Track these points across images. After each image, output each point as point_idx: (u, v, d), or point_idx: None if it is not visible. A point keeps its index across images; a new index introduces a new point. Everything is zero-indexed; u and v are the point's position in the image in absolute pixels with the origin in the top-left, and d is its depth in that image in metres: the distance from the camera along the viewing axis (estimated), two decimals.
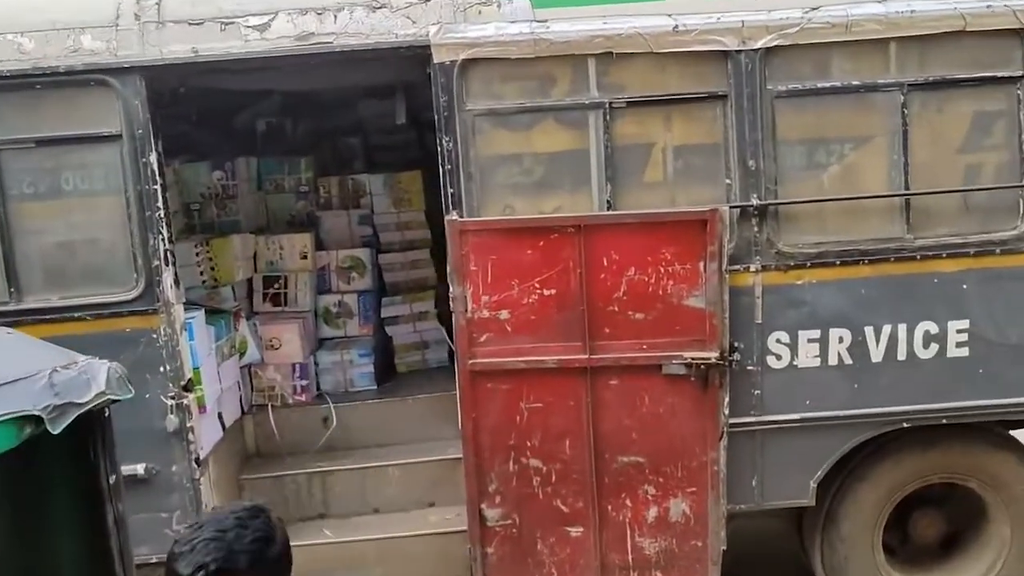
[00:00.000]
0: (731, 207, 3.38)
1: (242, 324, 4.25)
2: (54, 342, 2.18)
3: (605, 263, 3.39)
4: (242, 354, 4.26)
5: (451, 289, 3.43)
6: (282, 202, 4.90)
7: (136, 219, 3.40)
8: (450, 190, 3.45)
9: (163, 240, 3.43)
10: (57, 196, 3.43)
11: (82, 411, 1.92)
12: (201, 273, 4.33)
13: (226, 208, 4.57)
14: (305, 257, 4.61)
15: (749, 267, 3.43)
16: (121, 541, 2.16)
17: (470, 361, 3.45)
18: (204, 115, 4.95)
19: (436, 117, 3.41)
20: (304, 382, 4.41)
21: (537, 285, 3.42)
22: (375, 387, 4.55)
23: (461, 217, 3.44)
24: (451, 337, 4.72)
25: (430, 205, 5.00)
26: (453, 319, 3.47)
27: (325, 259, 4.72)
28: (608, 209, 3.45)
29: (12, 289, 3.41)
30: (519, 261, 3.39)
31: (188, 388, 3.55)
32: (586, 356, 3.42)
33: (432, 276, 4.94)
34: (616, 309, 3.41)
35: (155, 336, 3.47)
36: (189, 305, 3.88)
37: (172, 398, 3.50)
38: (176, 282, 3.51)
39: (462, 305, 3.42)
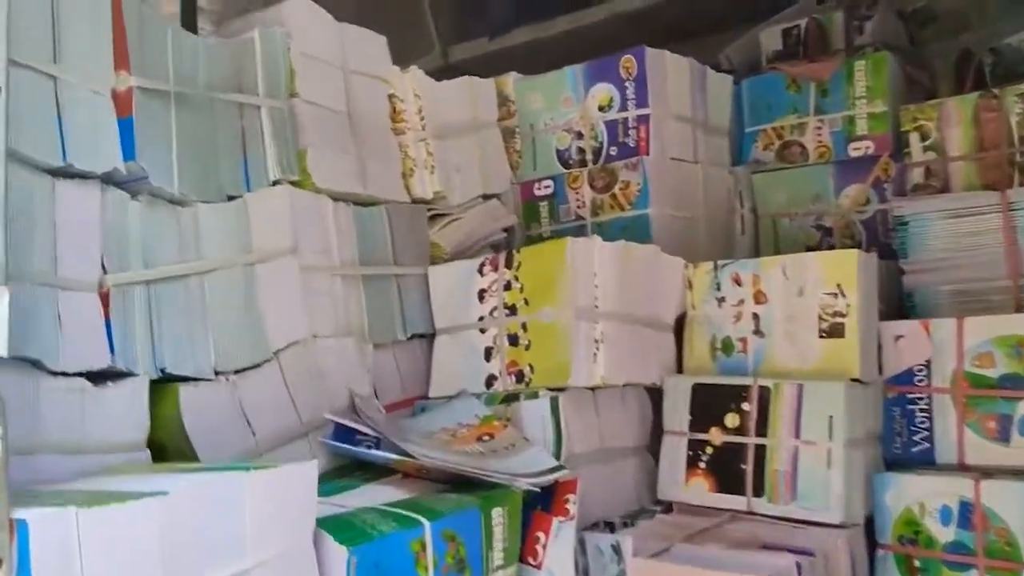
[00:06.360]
0: None
1: (567, 538, 1.10)
2: None
3: None
4: None
5: None
6: (801, 183, 1.73)
7: None
8: None
9: None
10: None
11: None
12: (490, 354, 1.38)
13: (612, 182, 1.59)
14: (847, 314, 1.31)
15: None
16: None
17: None
18: None
19: None
20: None
21: None
22: None
23: None
24: None
25: None
26: None
27: (917, 341, 1.35)
28: None
29: None
30: None
31: None
32: None
33: None
34: None
35: None
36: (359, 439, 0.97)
37: None
38: None
39: None
